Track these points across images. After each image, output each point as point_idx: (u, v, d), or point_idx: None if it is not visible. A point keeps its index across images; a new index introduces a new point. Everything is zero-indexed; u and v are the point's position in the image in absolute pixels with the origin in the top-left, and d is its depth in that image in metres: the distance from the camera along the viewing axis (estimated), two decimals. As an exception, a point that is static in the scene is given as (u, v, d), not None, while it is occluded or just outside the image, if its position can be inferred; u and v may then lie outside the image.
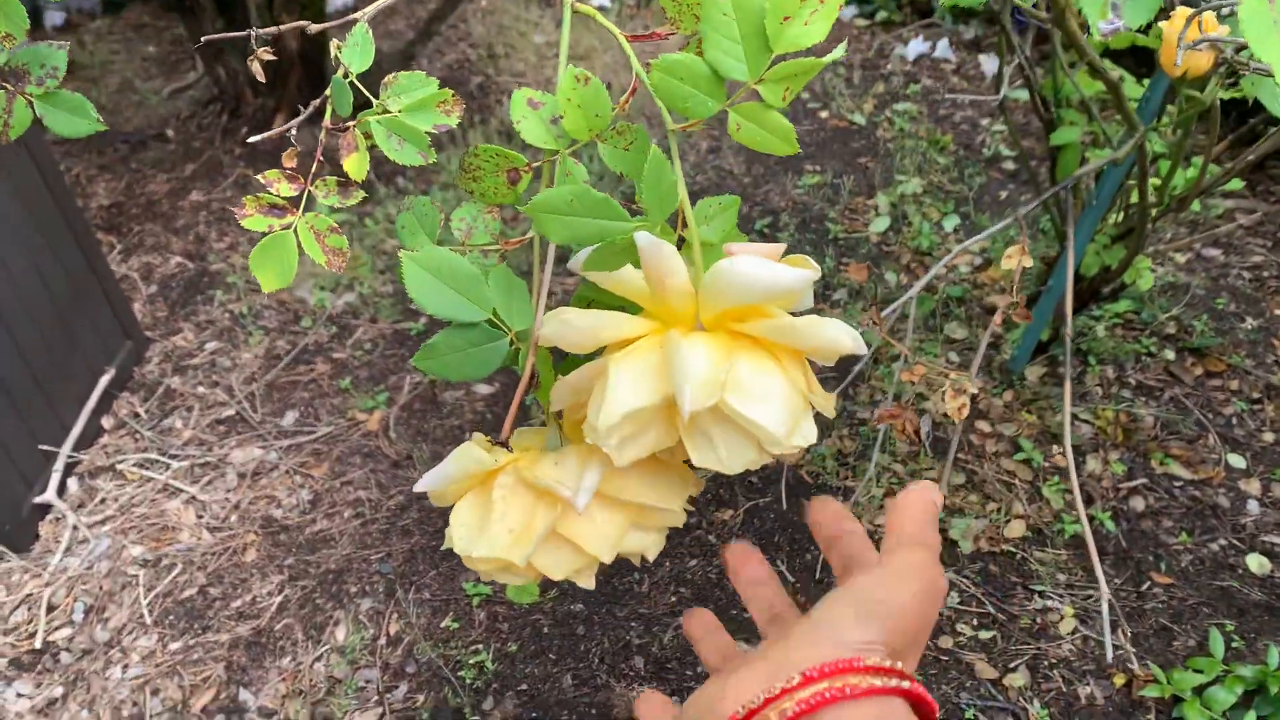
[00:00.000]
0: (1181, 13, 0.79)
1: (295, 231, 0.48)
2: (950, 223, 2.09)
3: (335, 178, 0.50)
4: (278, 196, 0.49)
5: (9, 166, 1.54)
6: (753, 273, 0.36)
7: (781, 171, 2.29)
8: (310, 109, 0.50)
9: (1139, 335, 1.80)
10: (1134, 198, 1.36)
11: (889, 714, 0.33)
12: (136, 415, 1.78)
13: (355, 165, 0.51)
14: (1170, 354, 1.76)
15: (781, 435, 0.36)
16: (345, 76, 0.52)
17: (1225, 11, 0.77)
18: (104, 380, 1.76)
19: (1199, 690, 1.27)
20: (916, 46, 2.71)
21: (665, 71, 0.41)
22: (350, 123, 0.53)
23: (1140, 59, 1.94)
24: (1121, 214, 1.51)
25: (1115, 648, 1.35)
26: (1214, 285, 1.90)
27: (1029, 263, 0.97)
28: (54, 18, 3.31)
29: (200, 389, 1.82)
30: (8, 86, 0.41)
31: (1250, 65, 0.77)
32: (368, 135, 0.51)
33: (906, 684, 0.33)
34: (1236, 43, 0.77)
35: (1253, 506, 1.51)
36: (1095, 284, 1.62)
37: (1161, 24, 0.80)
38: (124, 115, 2.67)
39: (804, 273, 0.37)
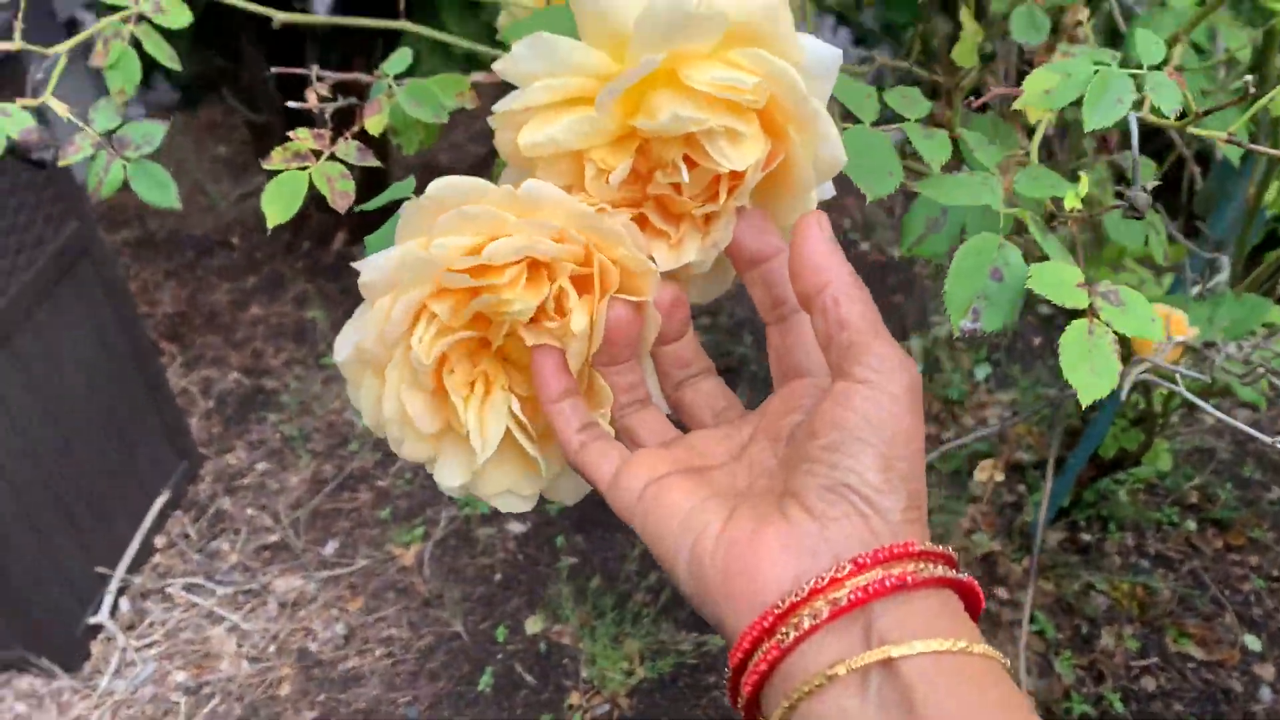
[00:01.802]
0: (1157, 312, 0.84)
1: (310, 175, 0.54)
2: (982, 371, 2.14)
3: (356, 142, 0.56)
4: (304, 145, 0.56)
5: (77, 288, 1.64)
6: None
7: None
8: (341, 103, 0.57)
9: (1161, 503, 1.83)
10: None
11: (947, 608, 0.31)
12: (186, 536, 1.87)
13: (375, 124, 0.58)
14: (1192, 524, 1.79)
15: None
16: (384, 76, 0.58)
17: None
18: (159, 502, 1.85)
19: None
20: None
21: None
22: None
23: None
24: (1141, 397, 1.56)
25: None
26: (1240, 450, 1.92)
27: (1000, 476, 1.01)
28: (134, 111, 3.48)
29: (249, 511, 1.91)
30: (110, 149, 0.48)
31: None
32: (391, 95, 0.57)
33: (957, 574, 0.32)
34: (1203, 341, 0.83)
35: (1265, 694, 1.53)
36: (1115, 461, 1.65)
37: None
38: (193, 219, 2.81)
39: None
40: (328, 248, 2.55)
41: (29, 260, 1.51)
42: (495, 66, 0.37)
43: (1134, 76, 0.50)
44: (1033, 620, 1.64)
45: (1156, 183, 0.54)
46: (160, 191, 0.49)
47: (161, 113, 3.43)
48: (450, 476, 0.42)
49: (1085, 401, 0.43)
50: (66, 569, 1.64)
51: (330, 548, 1.83)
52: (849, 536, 0.31)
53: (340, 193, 0.52)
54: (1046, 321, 2.27)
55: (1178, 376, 0.63)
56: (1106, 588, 1.68)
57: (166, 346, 2.32)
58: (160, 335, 2.35)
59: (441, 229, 0.37)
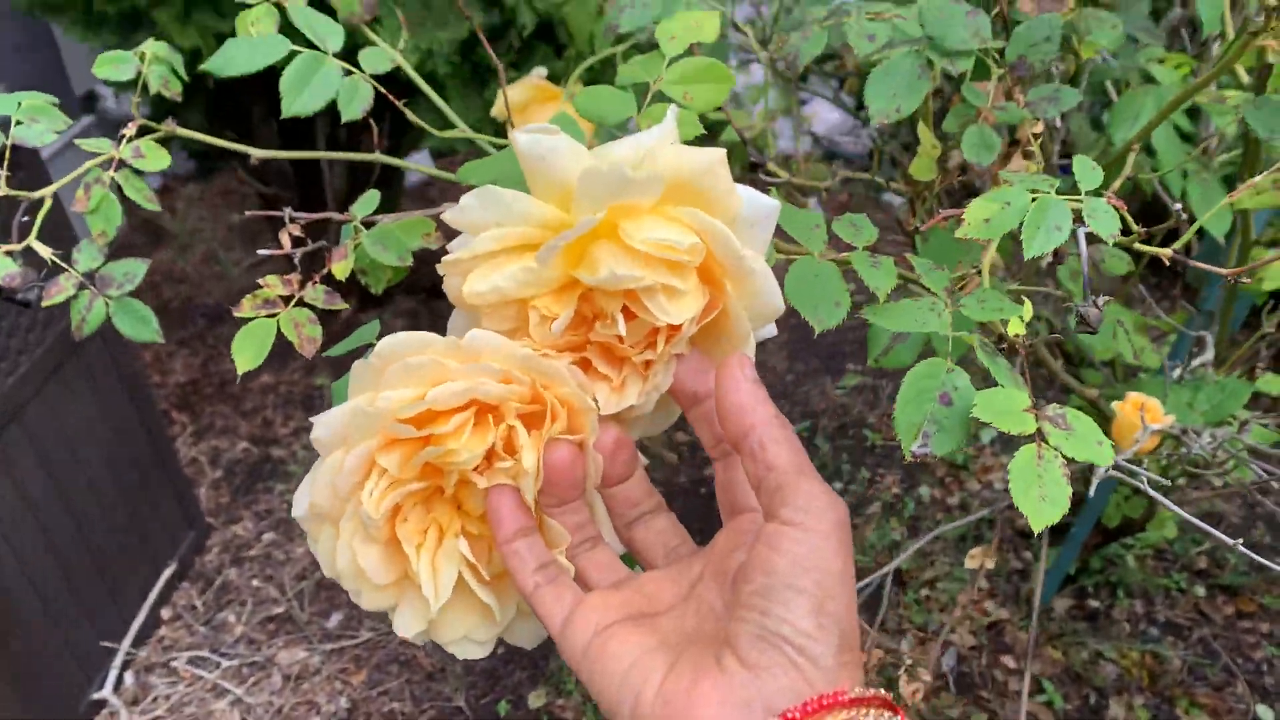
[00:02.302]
0: (1133, 401, 0.85)
1: (278, 321, 0.55)
2: (987, 434, 2.14)
3: (324, 285, 0.58)
4: (273, 293, 0.57)
5: (86, 363, 1.67)
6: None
7: (823, 370, 2.36)
8: (311, 246, 0.59)
9: (1170, 569, 1.81)
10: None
11: None
12: (193, 608, 1.87)
13: (341, 269, 0.59)
14: (1201, 590, 1.77)
15: None
16: (352, 219, 0.60)
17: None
18: (166, 574, 1.86)
19: None
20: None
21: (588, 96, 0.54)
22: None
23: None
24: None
25: None
26: (1249, 514, 1.91)
27: (991, 564, 1.01)
28: (150, 181, 3.55)
29: (255, 582, 1.92)
30: (93, 289, 0.50)
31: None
32: (357, 235, 0.59)
33: (892, 715, 0.32)
34: (1179, 428, 0.83)
35: (1279, 766, 1.50)
36: (1121, 527, 1.64)
37: (1116, 405, 0.86)
38: (205, 287, 2.85)
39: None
40: (336, 315, 2.57)
41: (39, 339, 1.53)
42: (445, 217, 0.38)
43: (1072, 202, 0.51)
44: (1041, 690, 1.62)
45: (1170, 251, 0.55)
46: (142, 327, 0.50)
47: (177, 181, 3.49)
48: (408, 626, 0.42)
49: (1036, 529, 0.43)
50: (73, 641, 1.64)
51: (334, 620, 1.83)
52: (781, 689, 0.32)
53: (307, 338, 0.53)
54: (1049, 383, 2.27)
55: (1143, 477, 0.63)
56: (1115, 656, 1.67)
57: (177, 416, 2.34)
58: (171, 405, 2.37)
59: (388, 382, 0.38)
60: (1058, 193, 0.51)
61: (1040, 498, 0.44)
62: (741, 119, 1.41)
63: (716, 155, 0.37)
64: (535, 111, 1.00)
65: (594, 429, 0.40)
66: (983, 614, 1.75)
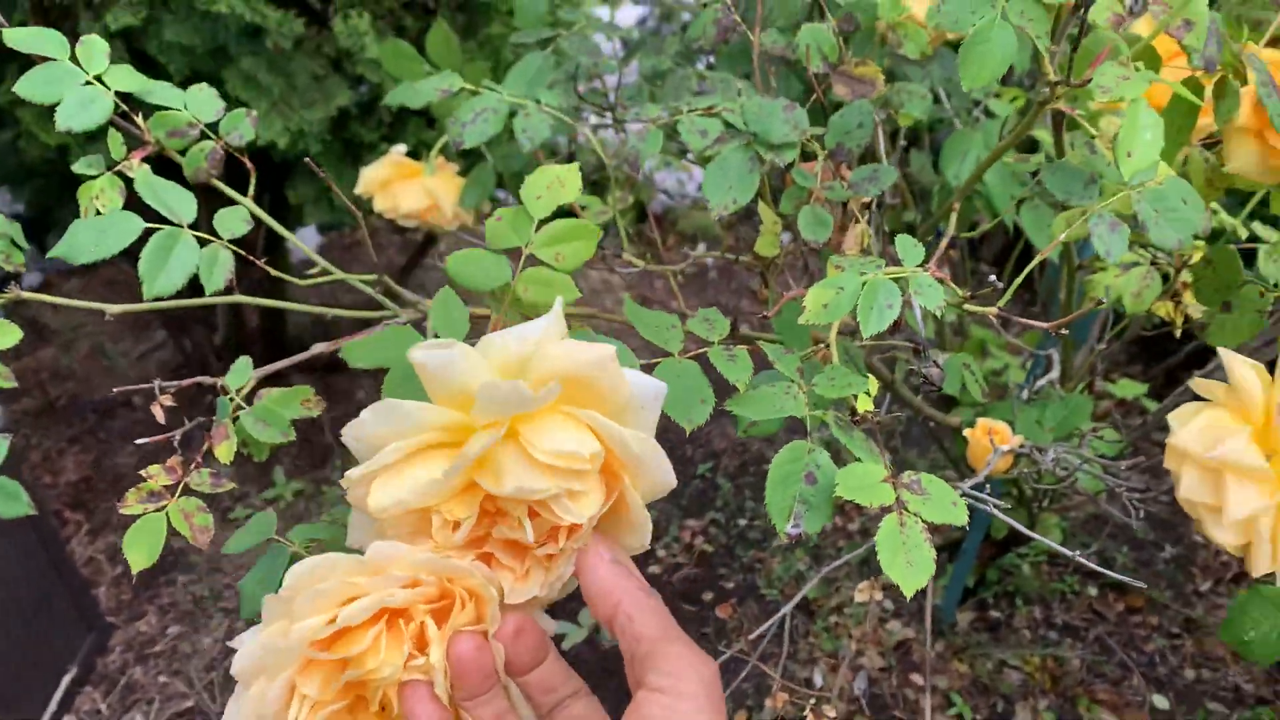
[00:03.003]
0: (983, 425, 0.90)
1: (166, 514, 0.56)
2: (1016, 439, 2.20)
3: (209, 469, 0.58)
4: (157, 485, 0.58)
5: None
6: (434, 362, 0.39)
7: (722, 412, 2.40)
8: (190, 426, 0.59)
9: (1063, 573, 1.88)
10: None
11: None
12: (97, 712, 1.82)
13: (225, 451, 0.60)
14: (1093, 590, 1.84)
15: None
16: (224, 391, 0.61)
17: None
18: (66, 679, 1.81)
19: None
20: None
21: (460, 261, 0.55)
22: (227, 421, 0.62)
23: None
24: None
25: None
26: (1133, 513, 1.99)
27: (879, 595, 1.05)
28: (31, 279, 3.47)
29: (161, 678, 1.87)
30: None
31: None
32: (237, 414, 0.60)
33: None
34: (1030, 447, 0.88)
35: (1178, 753, 1.57)
36: (1013, 538, 1.71)
37: (967, 431, 0.91)
38: (94, 382, 2.79)
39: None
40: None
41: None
42: (344, 438, 0.40)
43: (899, 280, 0.55)
44: (950, 704, 1.66)
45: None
46: (11, 504, 0.51)
47: (59, 276, 3.42)
48: None
49: (908, 594, 0.47)
50: (-30, 762, 1.58)
51: (247, 708, 1.79)
52: None
53: (199, 528, 0.55)
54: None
55: (990, 502, 0.68)
56: (1019, 663, 1.72)
57: (71, 516, 2.28)
58: (64, 504, 2.31)
59: (299, 611, 0.39)
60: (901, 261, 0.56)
61: (906, 563, 0.47)
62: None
63: (606, 352, 0.39)
64: (397, 187, 1.02)
65: (495, 619, 0.41)
66: (884, 639, 1.79)
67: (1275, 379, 0.60)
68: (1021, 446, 0.87)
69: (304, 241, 3.30)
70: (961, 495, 0.70)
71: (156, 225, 0.57)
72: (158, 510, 0.54)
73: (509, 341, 0.40)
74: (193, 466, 0.55)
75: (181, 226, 0.57)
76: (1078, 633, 1.77)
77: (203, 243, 0.58)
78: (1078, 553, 0.67)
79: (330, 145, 1.74)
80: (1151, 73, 0.61)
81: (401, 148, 1.04)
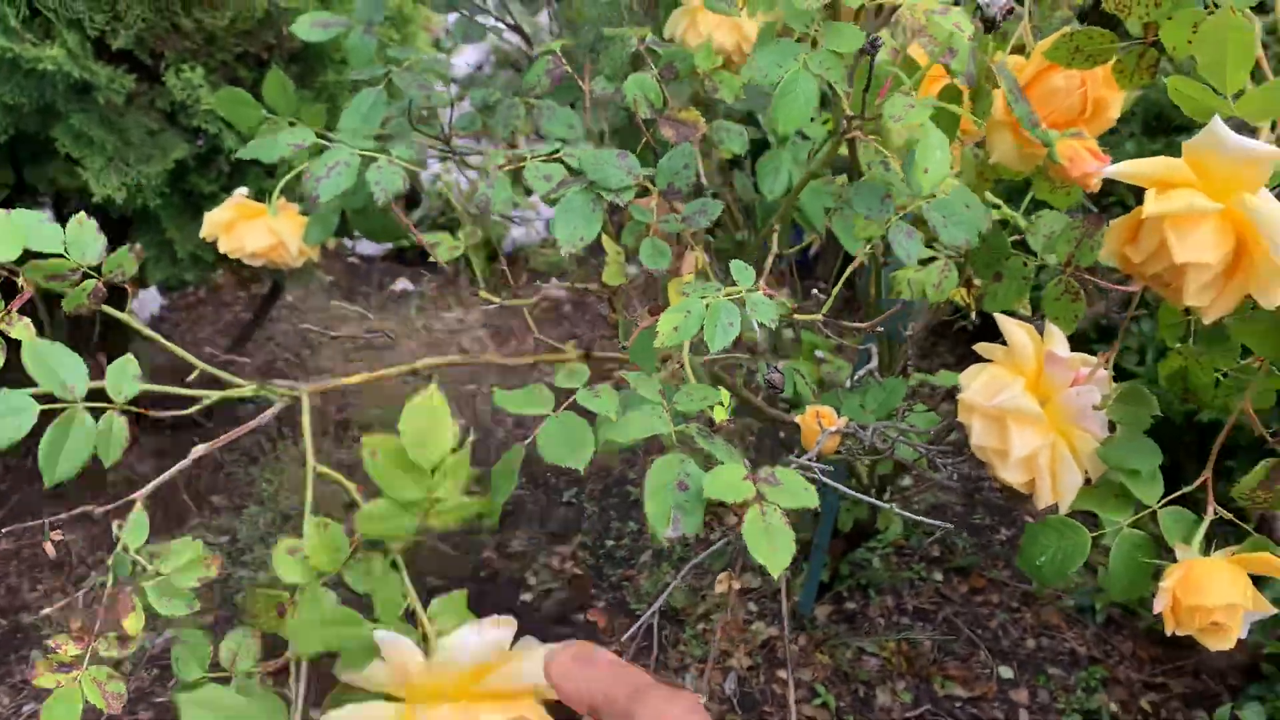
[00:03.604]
0: (812, 411, 0.99)
1: (80, 684, 0.58)
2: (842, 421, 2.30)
3: (115, 634, 0.60)
4: (66, 655, 0.60)
5: None
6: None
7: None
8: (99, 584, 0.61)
9: (910, 561, 2.01)
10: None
11: None
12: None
13: (133, 623, 0.62)
14: (939, 576, 1.97)
15: None
16: (125, 550, 0.63)
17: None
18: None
19: None
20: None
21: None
22: (129, 587, 0.64)
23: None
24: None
25: None
26: (970, 501, 2.14)
27: (738, 584, 1.13)
28: None
29: (20, 757, 1.81)
30: None
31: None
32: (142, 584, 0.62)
33: None
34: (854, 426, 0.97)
35: (1023, 716, 1.69)
36: (858, 531, 1.82)
37: (797, 417, 0.99)
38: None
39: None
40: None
41: None
42: None
43: (737, 299, 0.63)
44: (815, 694, 1.76)
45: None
46: None
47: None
48: None
49: (775, 574, 0.53)
50: None
51: (117, 777, 1.75)
52: None
53: (112, 695, 0.57)
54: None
55: (816, 469, 0.75)
56: (875, 649, 1.83)
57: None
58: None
59: None
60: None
61: (771, 548, 0.54)
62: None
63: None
64: (241, 228, 1.04)
65: None
66: (750, 639, 1.88)
67: (1044, 337, 0.70)
68: (847, 427, 0.95)
69: (146, 303, 3.20)
70: (804, 475, 0.78)
71: (51, 406, 0.56)
72: (71, 683, 0.56)
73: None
74: (101, 637, 0.58)
75: (76, 402, 0.57)
76: (927, 616, 1.89)
77: (95, 414, 0.58)
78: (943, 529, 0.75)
79: (169, 199, 1.74)
80: (930, 98, 0.71)
81: (244, 190, 1.06)
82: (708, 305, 0.64)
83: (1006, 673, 1.76)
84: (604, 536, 2.17)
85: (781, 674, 1.80)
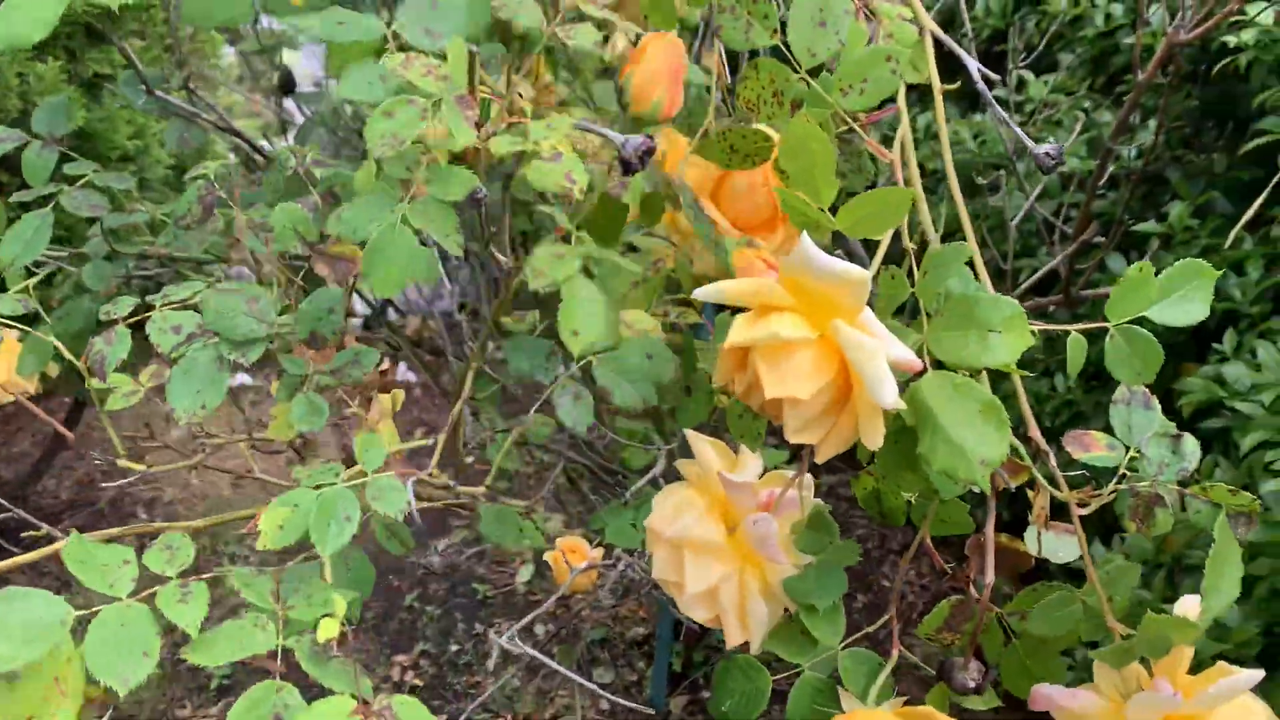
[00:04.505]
0: (562, 546, 0.91)
1: None
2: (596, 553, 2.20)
3: None
4: None
5: None
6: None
7: (425, 533, 2.35)
8: None
9: (765, 640, 1.93)
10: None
11: None
12: None
13: None
14: (795, 652, 1.90)
15: None
16: None
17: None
18: None
19: None
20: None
21: None
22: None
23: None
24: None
25: None
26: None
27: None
28: None
29: None
30: None
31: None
32: None
33: None
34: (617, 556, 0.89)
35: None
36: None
37: (547, 556, 0.92)
38: None
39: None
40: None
41: None
42: None
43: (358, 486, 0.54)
44: (669, 796, 1.66)
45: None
46: None
47: None
48: None
49: None
50: None
51: None
52: None
53: None
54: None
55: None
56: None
57: None
58: None
59: None
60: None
61: None
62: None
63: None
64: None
65: None
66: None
67: (737, 456, 0.64)
68: (607, 556, 0.88)
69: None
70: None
71: None
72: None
73: None
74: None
75: None
76: (783, 697, 1.81)
77: None
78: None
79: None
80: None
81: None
82: (320, 496, 0.54)
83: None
84: (446, 641, 2.05)
85: (634, 776, 1.70)
